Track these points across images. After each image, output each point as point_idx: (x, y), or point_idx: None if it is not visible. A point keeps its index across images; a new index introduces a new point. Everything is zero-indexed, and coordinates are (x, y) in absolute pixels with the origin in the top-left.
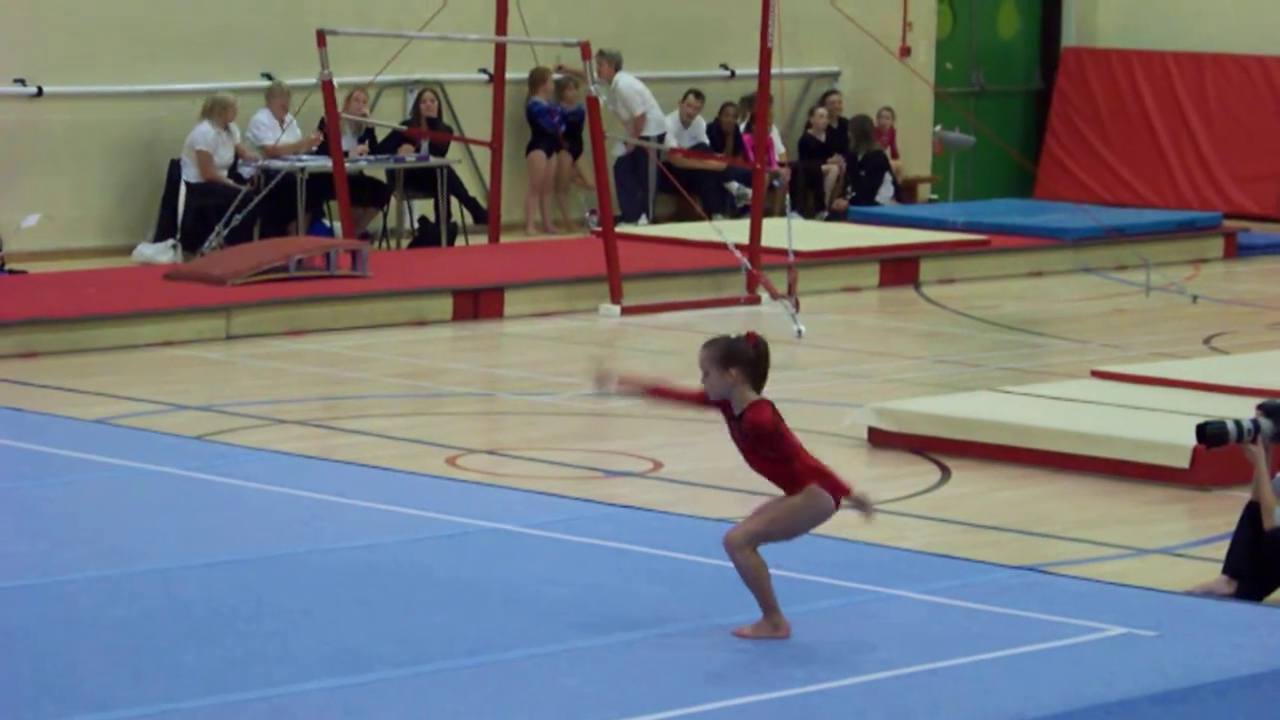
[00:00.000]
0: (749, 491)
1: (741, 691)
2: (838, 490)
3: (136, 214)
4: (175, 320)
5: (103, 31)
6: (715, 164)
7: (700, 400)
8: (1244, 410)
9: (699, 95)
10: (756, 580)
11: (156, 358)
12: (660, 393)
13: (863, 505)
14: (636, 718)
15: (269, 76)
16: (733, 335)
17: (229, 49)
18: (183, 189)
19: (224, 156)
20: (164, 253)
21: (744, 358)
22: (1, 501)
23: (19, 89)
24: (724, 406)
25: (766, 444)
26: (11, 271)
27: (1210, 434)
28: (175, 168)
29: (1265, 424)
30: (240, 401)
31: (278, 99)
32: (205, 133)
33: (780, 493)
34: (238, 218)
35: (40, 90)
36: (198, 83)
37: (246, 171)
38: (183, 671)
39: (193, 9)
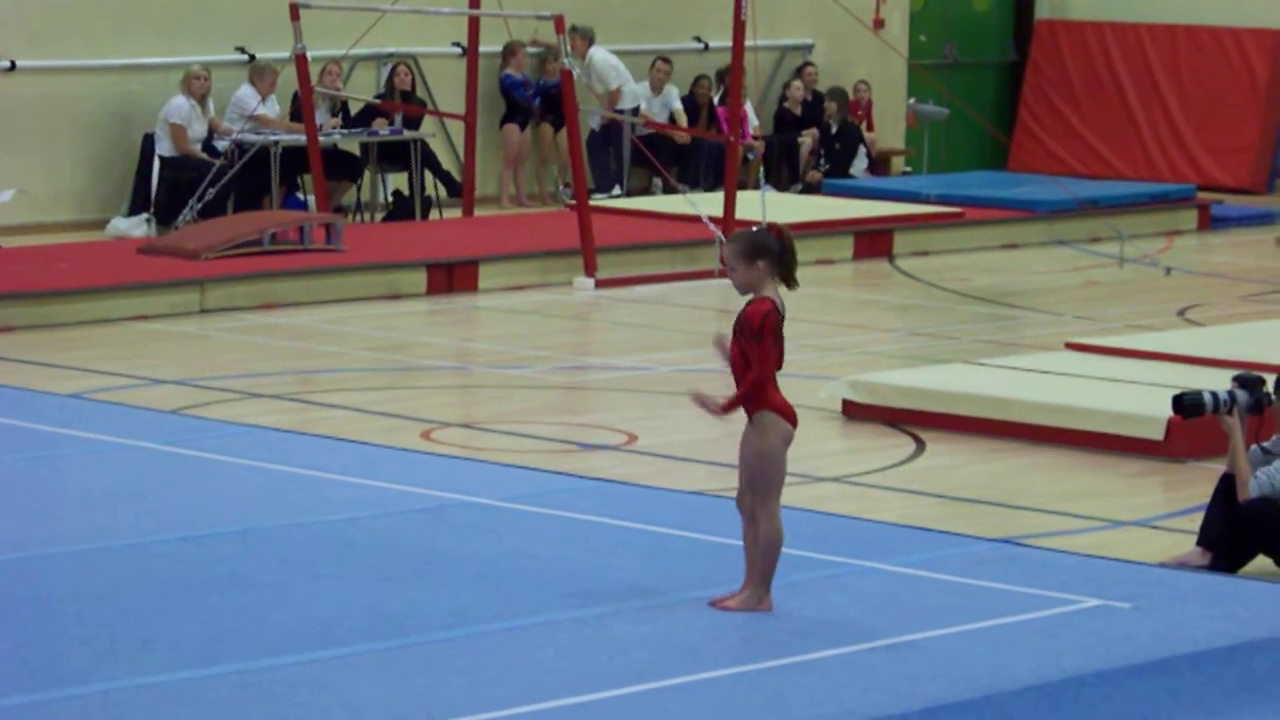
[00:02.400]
0: (724, 465)
1: (717, 665)
2: (791, 419)
3: (110, 188)
4: (149, 294)
5: (75, 5)
6: (684, 137)
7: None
8: (1218, 382)
9: (667, 60)
10: (768, 548)
11: (131, 332)
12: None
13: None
14: (612, 691)
15: (243, 50)
16: (755, 228)
17: (202, 22)
18: (156, 163)
19: (198, 130)
20: (138, 227)
21: (769, 250)
22: None
23: None
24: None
25: (745, 336)
26: None
27: (1187, 404)
28: (149, 141)
29: (1241, 395)
30: (215, 376)
31: (264, 78)
32: (179, 106)
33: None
34: (211, 191)
35: (13, 64)
36: (171, 56)
37: (220, 145)
38: (157, 646)
39: None
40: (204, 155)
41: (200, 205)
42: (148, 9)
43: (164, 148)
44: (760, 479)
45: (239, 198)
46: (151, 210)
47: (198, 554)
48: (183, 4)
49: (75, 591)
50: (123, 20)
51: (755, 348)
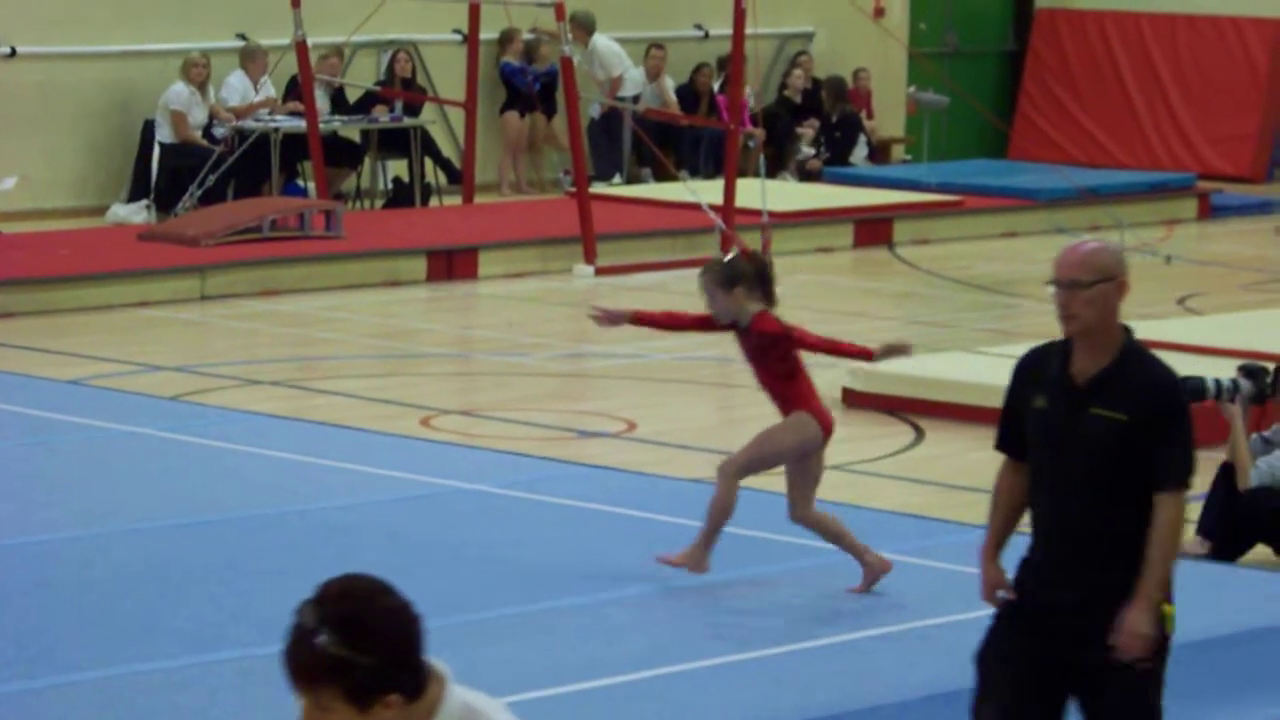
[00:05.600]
0: (723, 452)
1: (715, 652)
2: (824, 424)
3: (110, 174)
4: (149, 281)
5: None
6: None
7: (708, 323)
8: (1218, 370)
9: (660, 47)
10: (718, 512)
11: (131, 318)
12: (672, 321)
13: (897, 351)
14: (611, 678)
15: (243, 37)
16: (727, 256)
17: (203, 9)
18: (156, 149)
19: (198, 117)
20: (138, 213)
21: (746, 274)
22: None
23: None
24: (734, 327)
25: (777, 352)
26: None
27: (1189, 389)
28: (149, 128)
29: (1245, 385)
30: (215, 362)
31: (255, 60)
32: (179, 93)
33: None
34: (211, 178)
35: (14, 51)
36: (172, 43)
37: (220, 132)
38: (156, 632)
39: None
40: (204, 142)
41: (200, 192)
42: None
43: (164, 134)
44: (759, 447)
45: (239, 184)
46: (152, 197)
47: (196, 540)
48: None
49: (73, 577)
50: (123, 7)
51: (789, 358)
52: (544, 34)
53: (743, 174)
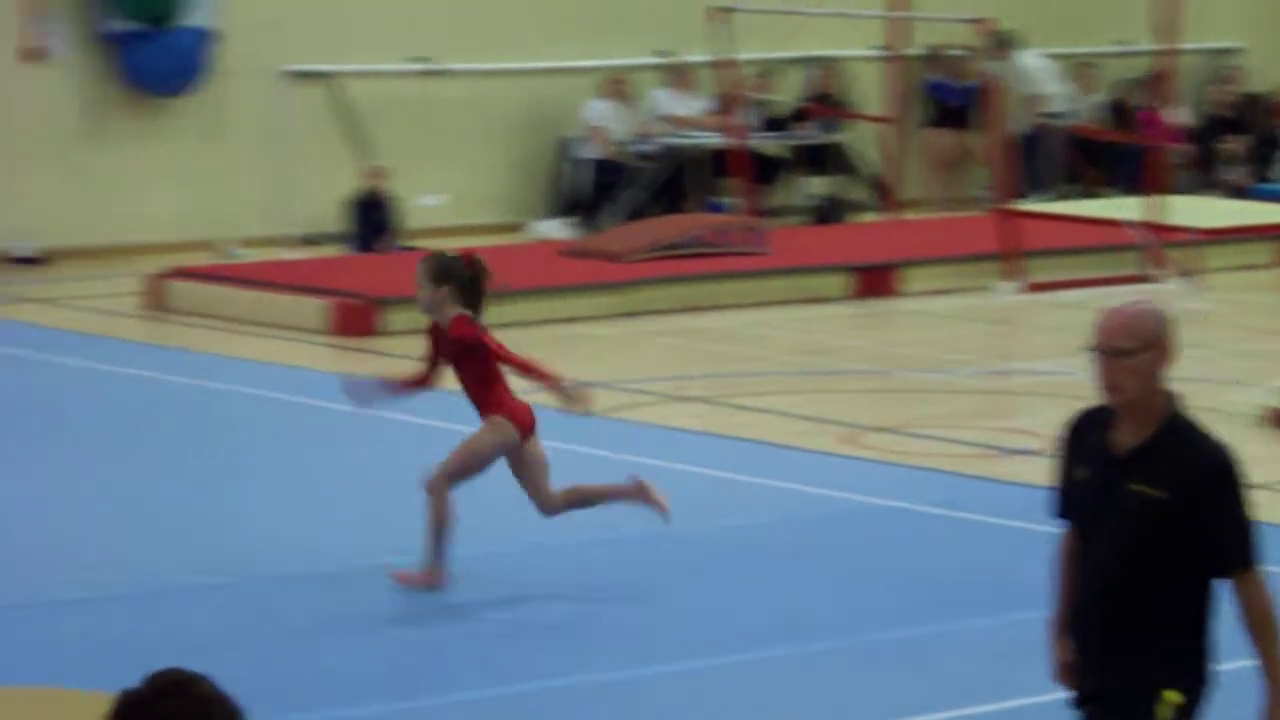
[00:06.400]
0: None
1: None
2: (522, 422)
3: (532, 190)
4: (572, 296)
5: (499, 9)
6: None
7: (434, 362)
8: None
9: (1091, 64)
10: (437, 526)
11: (554, 334)
12: (410, 384)
13: (572, 399)
14: (1030, 698)
15: (663, 53)
16: (448, 253)
17: (624, 26)
18: (579, 166)
19: (618, 133)
20: (560, 229)
21: (457, 276)
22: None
23: (417, 66)
24: (436, 332)
25: (469, 359)
26: (408, 249)
27: None
28: (569, 144)
29: None
30: (638, 379)
31: (681, 78)
32: (600, 109)
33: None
34: (636, 194)
35: (438, 68)
36: (593, 59)
37: (643, 148)
38: (580, 645)
39: None
40: (625, 158)
41: (623, 208)
42: (570, 13)
43: (585, 150)
44: (465, 457)
45: (660, 201)
46: (574, 212)
47: (616, 557)
48: (605, 7)
49: (488, 592)
50: (546, 24)
51: (483, 366)
52: (968, 50)
53: (1169, 190)
